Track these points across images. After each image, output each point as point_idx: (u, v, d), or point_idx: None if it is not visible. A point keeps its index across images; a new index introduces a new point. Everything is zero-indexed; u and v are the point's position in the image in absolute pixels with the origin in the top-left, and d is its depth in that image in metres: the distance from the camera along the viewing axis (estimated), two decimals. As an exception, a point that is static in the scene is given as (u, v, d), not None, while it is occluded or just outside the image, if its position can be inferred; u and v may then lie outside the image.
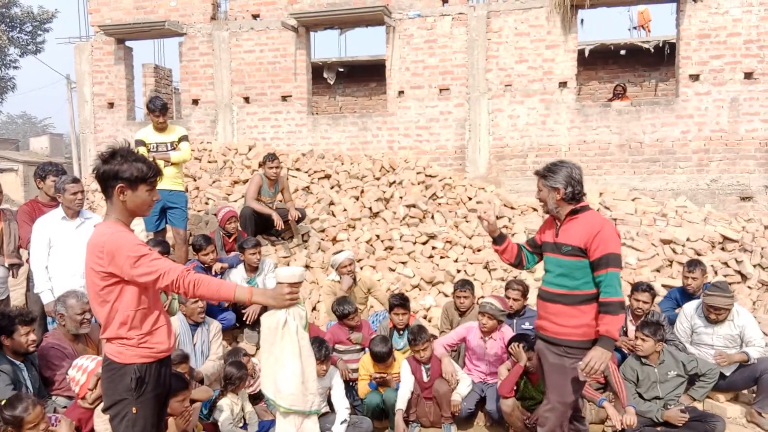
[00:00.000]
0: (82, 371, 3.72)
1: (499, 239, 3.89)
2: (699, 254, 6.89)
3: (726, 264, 6.79)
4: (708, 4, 8.49)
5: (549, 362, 3.67)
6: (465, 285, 5.69)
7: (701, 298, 5.25)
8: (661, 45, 13.38)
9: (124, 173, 2.75)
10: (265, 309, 3.75)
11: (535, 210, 8.06)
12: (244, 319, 5.75)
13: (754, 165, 8.49)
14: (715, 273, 6.69)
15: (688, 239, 7.09)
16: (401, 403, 4.81)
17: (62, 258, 4.95)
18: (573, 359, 3.51)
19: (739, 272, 6.72)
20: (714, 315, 5.08)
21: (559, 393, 3.62)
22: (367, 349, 5.27)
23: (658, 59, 13.76)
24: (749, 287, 6.61)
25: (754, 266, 6.75)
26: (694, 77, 8.61)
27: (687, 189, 8.63)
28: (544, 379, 3.82)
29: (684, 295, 5.68)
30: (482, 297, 5.13)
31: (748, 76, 8.45)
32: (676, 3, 8.81)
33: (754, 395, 5.05)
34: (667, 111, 8.74)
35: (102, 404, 2.93)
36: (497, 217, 7.88)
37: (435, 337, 5.91)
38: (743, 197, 8.50)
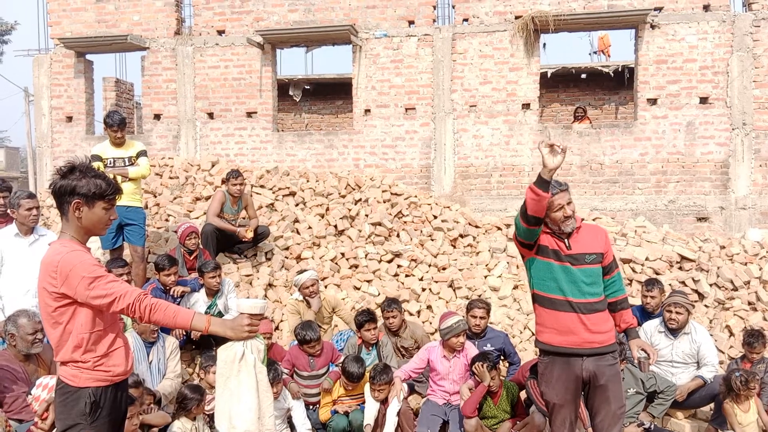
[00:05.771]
0: (48, 391, 3.58)
1: (546, 185, 3.29)
2: (657, 273, 7.03)
3: (683, 283, 6.93)
4: (665, 31, 8.77)
5: (607, 375, 3.53)
6: (392, 304, 5.62)
7: (661, 314, 5.35)
8: (620, 69, 13.75)
9: (82, 188, 2.67)
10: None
11: (499, 229, 8.13)
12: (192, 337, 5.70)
13: (709, 187, 8.75)
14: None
15: (647, 258, 7.23)
16: (369, 419, 4.75)
17: (15, 276, 4.76)
18: (617, 361, 3.64)
19: (696, 291, 6.88)
20: (675, 315, 5.10)
21: (619, 398, 3.57)
22: (328, 376, 5.19)
23: (618, 83, 14.15)
24: (706, 306, 6.77)
25: (711, 285, 6.92)
26: (652, 101, 8.86)
27: (646, 209, 8.82)
28: (593, 398, 3.60)
29: (643, 313, 5.77)
30: (449, 317, 5.06)
31: (704, 100, 8.73)
32: (634, 29, 9.08)
33: (711, 412, 5.14)
34: (626, 133, 8.96)
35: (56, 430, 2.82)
36: (462, 236, 7.92)
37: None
38: (699, 218, 8.74)
